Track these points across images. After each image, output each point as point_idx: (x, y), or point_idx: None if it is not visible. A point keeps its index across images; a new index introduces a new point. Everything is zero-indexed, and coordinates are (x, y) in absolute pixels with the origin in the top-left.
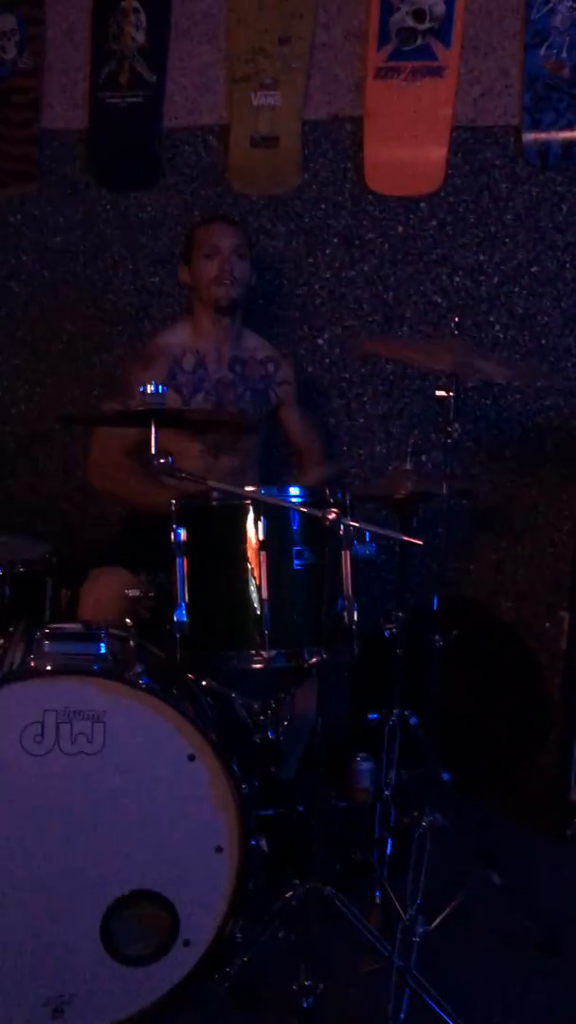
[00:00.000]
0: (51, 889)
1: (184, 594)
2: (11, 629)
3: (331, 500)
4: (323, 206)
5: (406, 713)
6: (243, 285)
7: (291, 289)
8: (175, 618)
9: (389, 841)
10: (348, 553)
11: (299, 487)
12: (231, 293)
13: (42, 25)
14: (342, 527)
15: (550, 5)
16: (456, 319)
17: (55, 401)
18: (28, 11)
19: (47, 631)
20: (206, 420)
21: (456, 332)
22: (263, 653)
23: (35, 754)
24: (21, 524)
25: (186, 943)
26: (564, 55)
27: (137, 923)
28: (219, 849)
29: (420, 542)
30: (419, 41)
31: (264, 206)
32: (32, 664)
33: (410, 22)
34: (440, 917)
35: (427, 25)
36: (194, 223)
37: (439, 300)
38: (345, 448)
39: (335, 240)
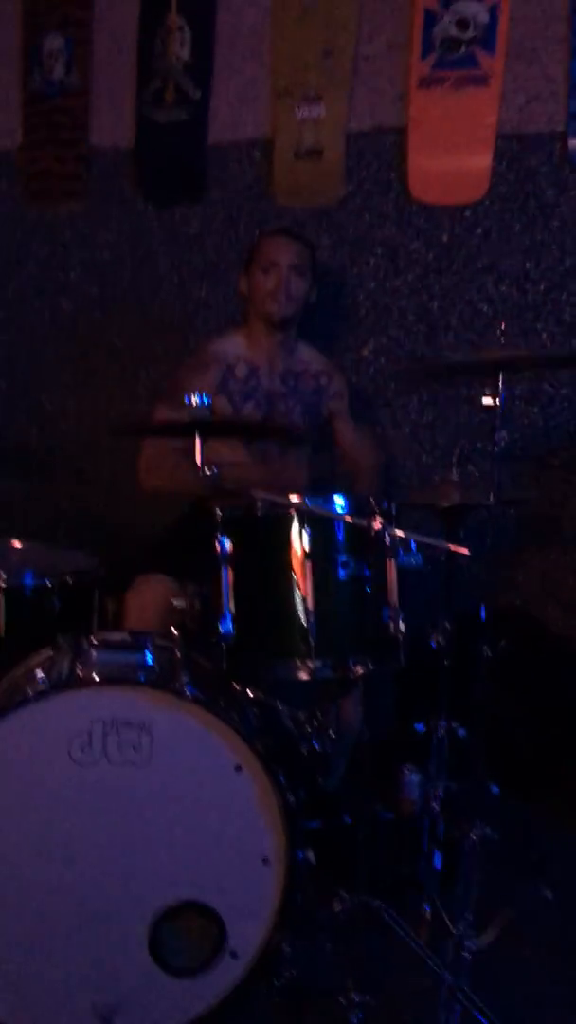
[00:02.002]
0: (99, 899)
1: (230, 604)
2: (59, 639)
3: (376, 510)
4: (367, 217)
5: (454, 724)
6: (299, 302)
7: (336, 300)
8: (221, 628)
9: (438, 854)
10: (394, 563)
11: (344, 496)
12: (284, 310)
13: (89, 44)
14: (388, 537)
15: None
16: (503, 326)
17: (103, 414)
18: (75, 31)
19: (94, 641)
20: (252, 430)
21: (503, 341)
22: (309, 663)
23: (82, 763)
24: (69, 536)
25: (233, 955)
26: None
27: (184, 934)
28: (266, 860)
29: (467, 551)
30: (463, 50)
31: (308, 218)
32: (79, 674)
33: (454, 31)
34: (491, 932)
35: (471, 34)
36: (259, 233)
37: (485, 309)
38: (390, 458)
39: (379, 250)
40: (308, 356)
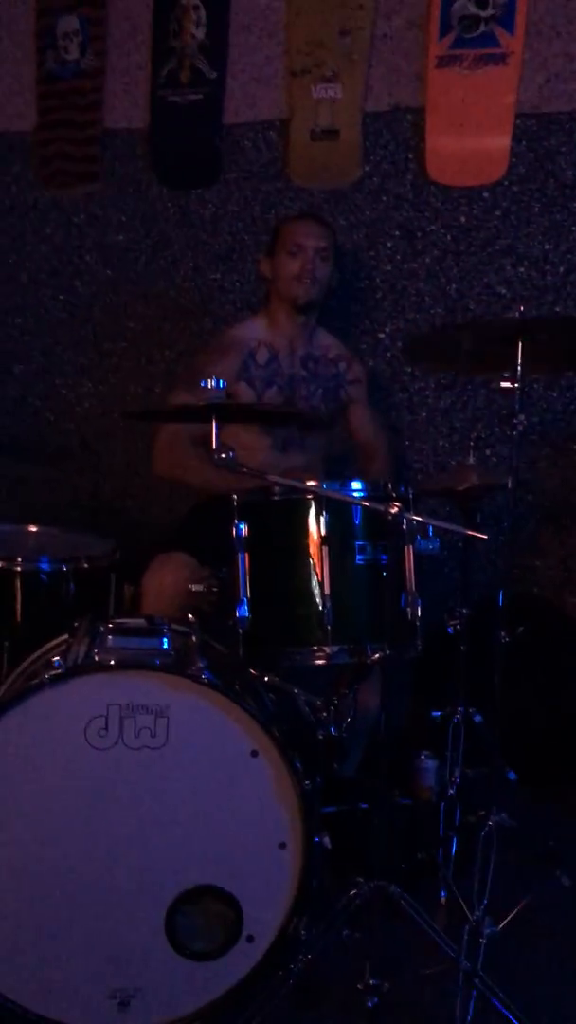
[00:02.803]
0: (116, 882)
1: (246, 589)
2: (76, 624)
3: (394, 495)
4: (384, 198)
5: (471, 711)
6: (323, 286)
7: (352, 283)
8: (237, 613)
9: (454, 840)
10: (411, 548)
11: (361, 481)
12: (310, 293)
13: (104, 25)
14: (405, 522)
15: None
16: (521, 309)
17: (119, 398)
18: (90, 11)
19: (111, 626)
20: (270, 415)
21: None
22: (326, 649)
23: (99, 748)
24: (85, 521)
25: (250, 939)
26: None
27: (201, 918)
28: (282, 845)
29: (484, 536)
30: (482, 28)
31: (325, 199)
32: (96, 658)
33: (472, 9)
34: (508, 918)
35: (490, 12)
36: (283, 217)
37: (503, 291)
38: (408, 442)
39: (397, 232)
40: (327, 342)
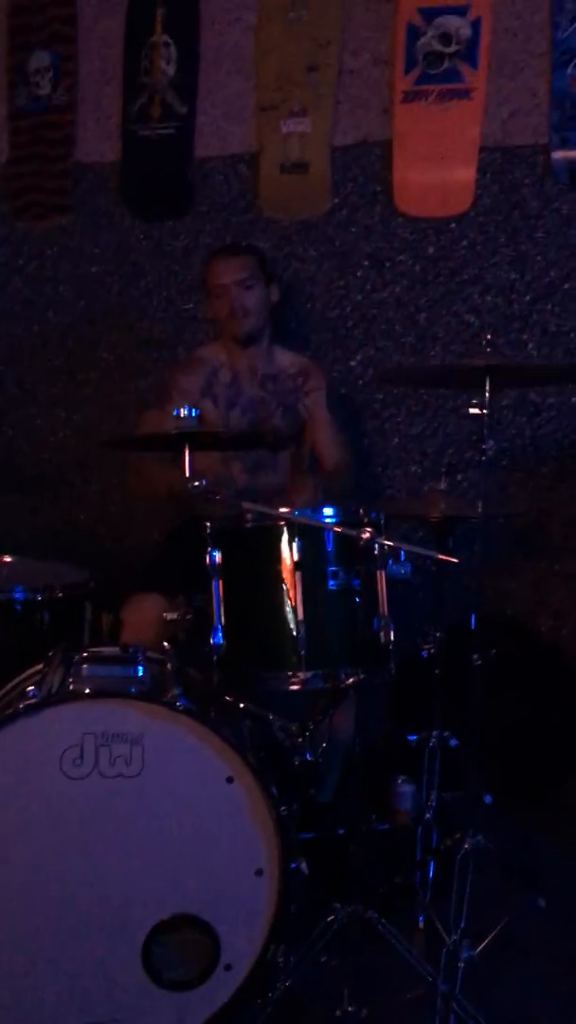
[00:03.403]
0: (91, 913)
1: (220, 616)
2: (50, 653)
3: (366, 520)
4: (353, 229)
5: (446, 734)
6: (258, 313)
7: (323, 312)
8: (212, 640)
9: (431, 864)
10: (383, 573)
11: (334, 507)
12: (245, 327)
13: (75, 61)
14: (377, 547)
15: None
16: (488, 337)
17: (93, 428)
18: (61, 47)
19: (85, 655)
20: (240, 441)
21: (489, 351)
22: (300, 674)
23: (74, 777)
24: (59, 550)
25: (228, 967)
26: None
27: (178, 947)
28: (259, 872)
29: (456, 560)
30: (446, 64)
31: (295, 231)
32: (71, 687)
33: (436, 46)
34: (485, 942)
35: (453, 48)
36: (204, 258)
37: (471, 319)
38: (380, 468)
39: (366, 263)
40: (285, 361)
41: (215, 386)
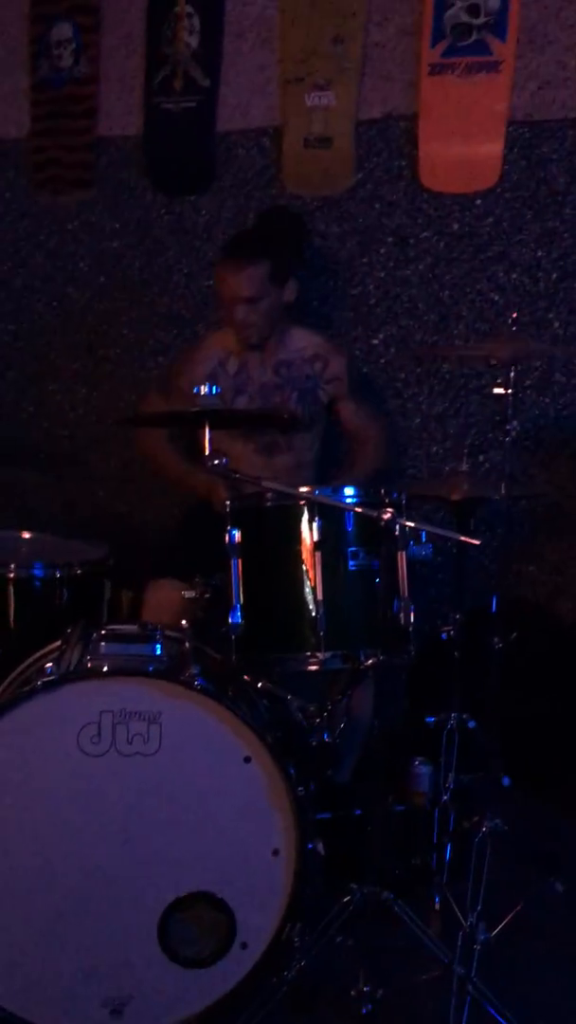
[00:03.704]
0: (109, 890)
1: (239, 596)
2: (69, 631)
3: (387, 500)
4: (377, 205)
5: (464, 716)
6: (265, 320)
7: (345, 290)
8: (230, 620)
9: (448, 846)
10: (404, 554)
11: (354, 487)
12: (252, 337)
13: (97, 33)
14: (398, 527)
15: None
16: (514, 316)
17: (112, 404)
18: (84, 19)
19: (103, 632)
20: (250, 420)
21: (514, 329)
22: (319, 655)
23: (92, 755)
24: (78, 527)
25: (243, 946)
26: None
27: (195, 925)
28: (276, 852)
29: (477, 542)
30: (474, 36)
31: (318, 207)
32: (89, 665)
33: (464, 17)
34: (501, 924)
35: (482, 20)
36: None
37: (496, 298)
38: (401, 449)
39: (389, 239)
40: (303, 342)
41: (220, 376)
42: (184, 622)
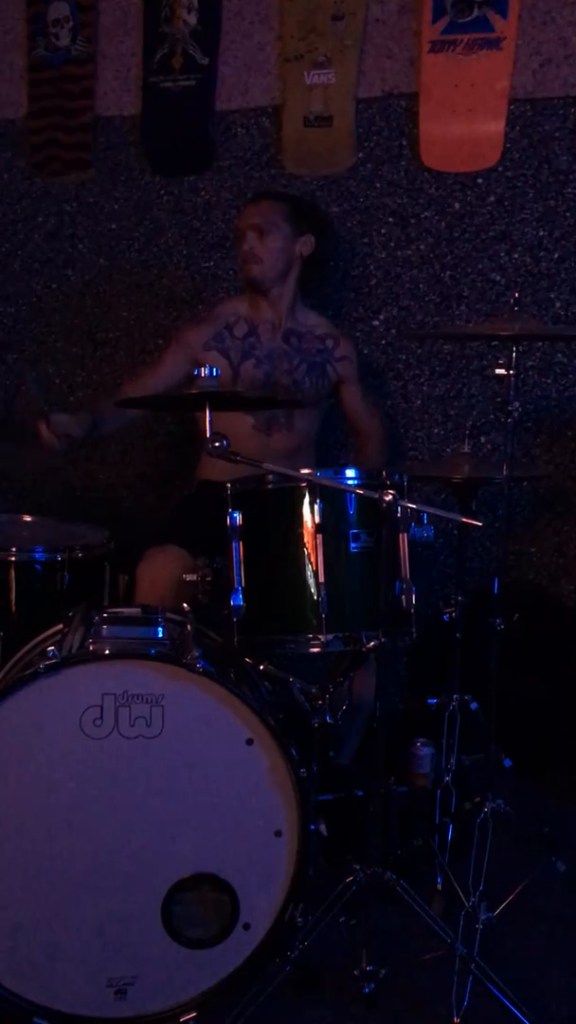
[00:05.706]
0: (112, 872)
1: (241, 578)
2: (70, 614)
3: (388, 482)
4: (378, 185)
5: (466, 698)
6: (271, 260)
7: (346, 270)
8: (232, 602)
9: (450, 827)
10: (406, 536)
11: (355, 469)
12: (253, 272)
13: (95, 12)
14: (399, 509)
15: None
16: (516, 296)
17: (112, 387)
18: None
19: (105, 615)
20: (253, 401)
21: (516, 309)
22: (320, 637)
23: (95, 737)
24: (79, 510)
25: (246, 927)
26: None
27: (198, 906)
28: (278, 833)
29: (479, 524)
30: (475, 12)
31: (318, 186)
32: (91, 648)
33: None
34: (503, 904)
35: None
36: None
37: (497, 278)
38: (402, 431)
39: (390, 219)
40: (313, 321)
41: (226, 339)
42: (185, 605)
